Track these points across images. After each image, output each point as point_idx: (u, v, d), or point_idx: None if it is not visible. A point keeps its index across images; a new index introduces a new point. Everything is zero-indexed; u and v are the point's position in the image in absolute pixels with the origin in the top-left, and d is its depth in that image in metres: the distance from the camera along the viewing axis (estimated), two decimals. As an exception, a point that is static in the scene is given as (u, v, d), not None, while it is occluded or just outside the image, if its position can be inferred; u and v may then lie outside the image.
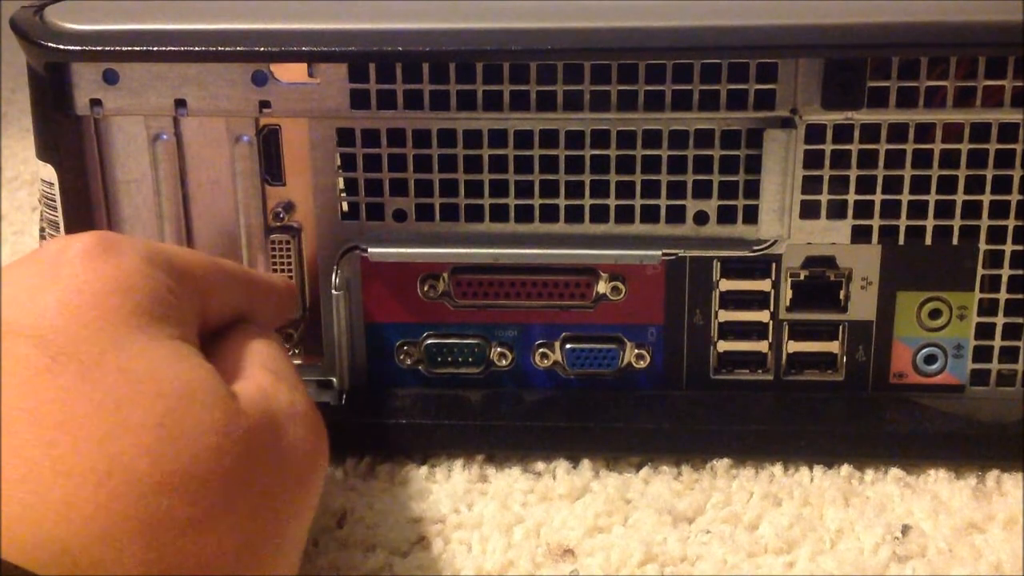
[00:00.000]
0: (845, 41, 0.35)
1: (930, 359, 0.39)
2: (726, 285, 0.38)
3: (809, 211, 0.37)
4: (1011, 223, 0.37)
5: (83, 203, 0.38)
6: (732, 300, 0.38)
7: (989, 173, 0.36)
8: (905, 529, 0.35)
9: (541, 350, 0.39)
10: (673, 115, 0.36)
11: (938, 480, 0.37)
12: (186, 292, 0.30)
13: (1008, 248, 0.37)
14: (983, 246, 0.37)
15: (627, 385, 0.39)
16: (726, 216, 0.37)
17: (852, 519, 0.35)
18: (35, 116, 0.38)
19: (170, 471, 0.24)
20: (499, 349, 0.39)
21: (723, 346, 0.39)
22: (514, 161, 0.37)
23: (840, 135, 0.36)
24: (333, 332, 0.39)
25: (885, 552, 0.34)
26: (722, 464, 0.37)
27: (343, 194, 0.38)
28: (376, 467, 0.38)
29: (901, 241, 0.37)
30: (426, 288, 0.39)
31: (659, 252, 0.38)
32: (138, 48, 0.35)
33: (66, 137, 0.37)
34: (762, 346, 0.39)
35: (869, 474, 0.37)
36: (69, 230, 0.37)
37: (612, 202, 0.37)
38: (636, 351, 0.39)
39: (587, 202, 0.37)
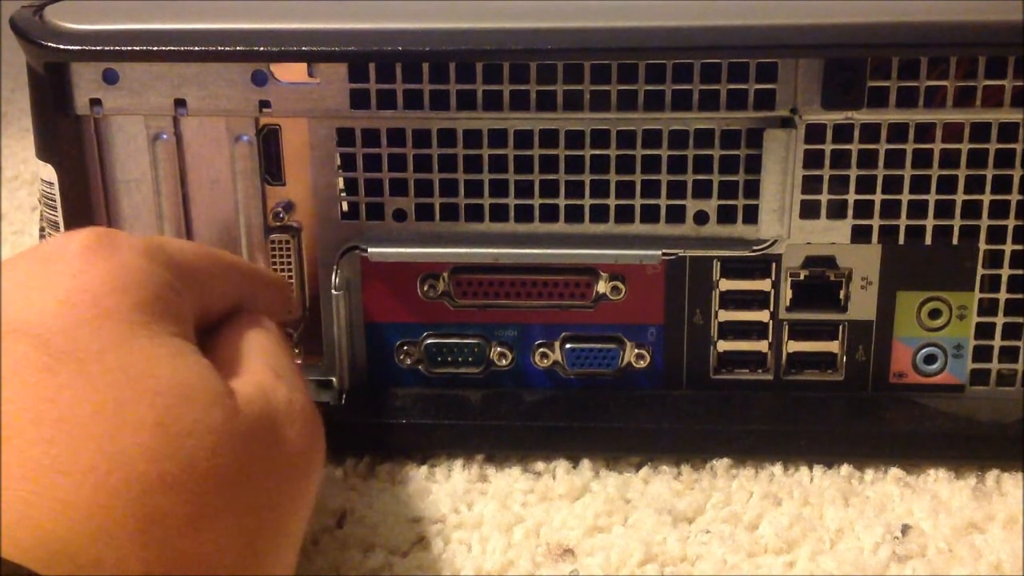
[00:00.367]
0: (845, 41, 0.35)
1: (930, 359, 0.39)
2: (726, 285, 0.38)
3: (809, 211, 0.37)
4: (1011, 223, 0.37)
5: (83, 203, 0.38)
6: (732, 300, 0.38)
7: (989, 173, 0.36)
8: (905, 529, 0.35)
9: (541, 350, 0.39)
10: (673, 115, 0.36)
11: (938, 480, 0.37)
12: (185, 286, 0.30)
13: (1008, 248, 0.37)
14: (983, 246, 0.37)
15: (627, 385, 0.39)
16: (726, 216, 0.37)
17: (852, 519, 0.35)
18: (35, 116, 0.37)
19: (169, 470, 0.24)
20: (499, 349, 0.39)
21: (723, 346, 0.39)
22: (514, 161, 0.37)
23: (840, 135, 0.36)
24: (333, 332, 0.39)
25: (885, 552, 0.34)
26: (722, 464, 0.37)
27: (343, 194, 0.38)
28: (376, 467, 0.38)
29: (901, 241, 0.37)
30: (426, 288, 0.39)
31: (659, 252, 0.37)
32: (138, 48, 0.35)
33: (66, 137, 0.37)
34: (762, 346, 0.39)
35: (869, 474, 0.37)
36: (69, 230, 0.37)
37: (612, 202, 0.37)
38: (636, 351, 0.39)
39: (587, 202, 0.37)
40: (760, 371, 0.39)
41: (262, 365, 0.30)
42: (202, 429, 0.26)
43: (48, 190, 0.38)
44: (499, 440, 0.38)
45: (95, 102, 0.37)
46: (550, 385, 0.40)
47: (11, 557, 0.21)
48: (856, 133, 0.36)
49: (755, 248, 0.38)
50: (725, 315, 0.39)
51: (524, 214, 0.38)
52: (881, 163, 0.36)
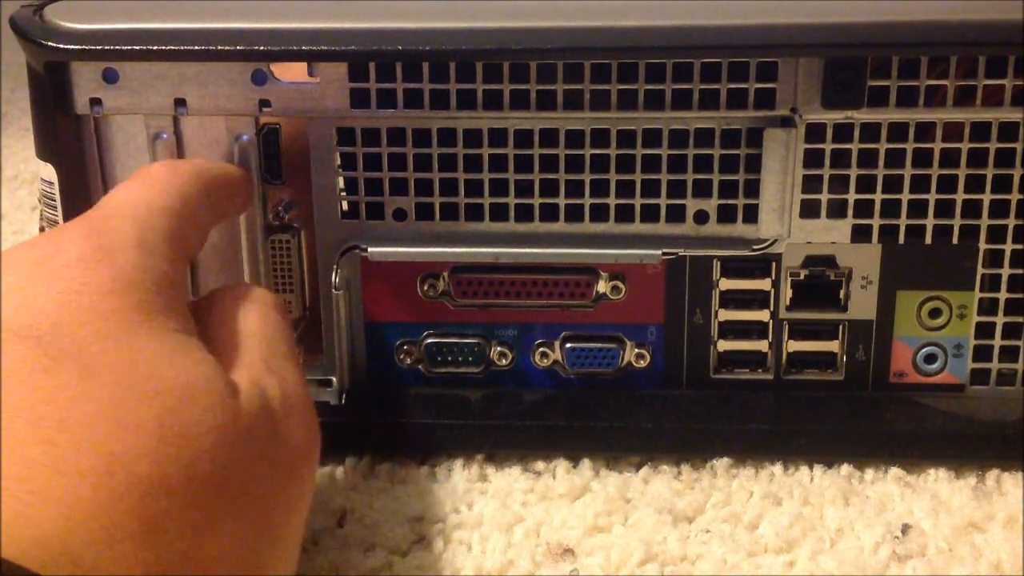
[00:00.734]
0: (845, 40, 0.35)
1: (930, 358, 0.39)
2: (726, 284, 0.38)
3: (809, 210, 0.37)
4: (1011, 222, 0.37)
5: (83, 202, 0.38)
6: (732, 299, 0.38)
7: (989, 172, 0.36)
8: (905, 528, 0.35)
9: (541, 349, 0.39)
10: (673, 114, 0.36)
11: (938, 479, 0.37)
12: (178, 264, 0.30)
13: (1008, 247, 0.37)
14: (983, 245, 0.37)
15: (627, 385, 0.39)
16: (726, 215, 0.37)
17: (852, 518, 0.35)
18: (35, 115, 0.37)
19: (170, 472, 0.24)
20: (499, 348, 0.39)
21: (723, 345, 0.39)
22: (514, 160, 0.37)
23: (840, 134, 0.36)
24: (333, 331, 0.39)
25: (885, 551, 0.34)
26: (722, 463, 0.37)
27: (343, 193, 0.38)
28: (376, 467, 0.38)
29: (901, 240, 0.37)
30: (426, 287, 0.39)
31: (659, 251, 0.37)
32: (138, 47, 0.35)
33: (66, 136, 0.37)
34: (762, 345, 0.39)
35: (869, 473, 0.37)
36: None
37: (612, 201, 0.37)
38: (636, 350, 0.39)
39: (587, 201, 0.37)
40: (760, 371, 0.39)
41: (254, 357, 0.30)
42: (204, 430, 0.26)
43: (48, 189, 0.38)
44: (499, 440, 0.38)
45: (95, 101, 0.37)
46: (550, 385, 0.40)
47: (11, 558, 0.21)
48: (856, 132, 0.36)
49: (755, 247, 0.38)
50: (725, 315, 0.39)
51: (524, 213, 0.38)
52: (881, 162, 0.36)
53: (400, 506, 0.36)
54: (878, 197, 0.37)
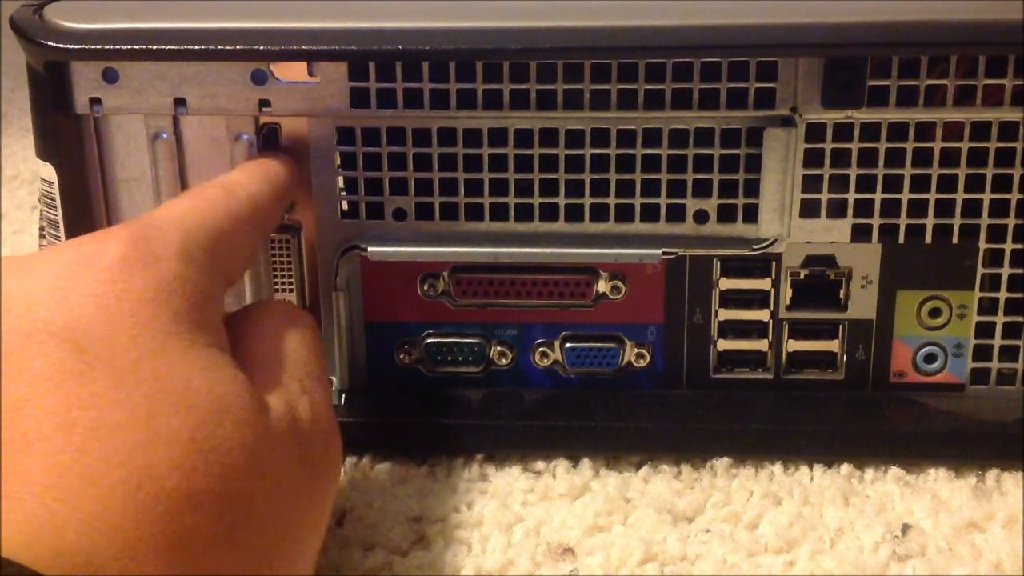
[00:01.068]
0: (845, 40, 0.35)
1: (930, 358, 0.39)
2: (726, 284, 0.38)
3: (809, 210, 0.37)
4: (1011, 222, 0.37)
5: (83, 202, 0.38)
6: (732, 299, 0.38)
7: (989, 172, 0.36)
8: (905, 528, 0.35)
9: (541, 349, 0.39)
10: (673, 114, 0.36)
11: (938, 479, 0.37)
12: (217, 280, 0.29)
13: (1008, 247, 0.37)
14: (983, 245, 0.37)
15: (627, 384, 0.39)
16: (726, 215, 0.37)
17: (852, 518, 0.35)
18: (35, 115, 0.37)
19: (198, 486, 0.24)
20: (499, 348, 0.39)
21: (723, 345, 0.39)
22: (514, 160, 0.37)
23: (840, 134, 0.36)
24: (333, 331, 0.39)
25: (885, 551, 0.34)
26: (722, 463, 0.37)
27: (343, 193, 0.38)
28: (376, 467, 0.38)
29: (901, 240, 0.37)
30: (426, 287, 0.39)
31: (659, 251, 0.37)
32: (138, 47, 0.35)
33: (66, 136, 0.37)
34: (762, 345, 0.39)
35: (869, 473, 0.37)
36: (69, 229, 0.37)
37: (612, 201, 0.37)
38: (636, 350, 0.39)
39: (587, 201, 0.37)
40: (760, 370, 0.39)
41: (290, 377, 0.30)
42: (234, 446, 0.25)
43: (48, 189, 0.38)
44: (499, 440, 0.38)
45: (95, 101, 0.37)
46: (550, 385, 0.40)
47: (35, 566, 0.21)
48: (856, 132, 0.36)
49: (755, 247, 0.38)
50: (725, 314, 0.39)
51: (524, 213, 0.38)
52: (881, 162, 0.36)
53: (400, 506, 0.36)
54: (878, 197, 0.37)
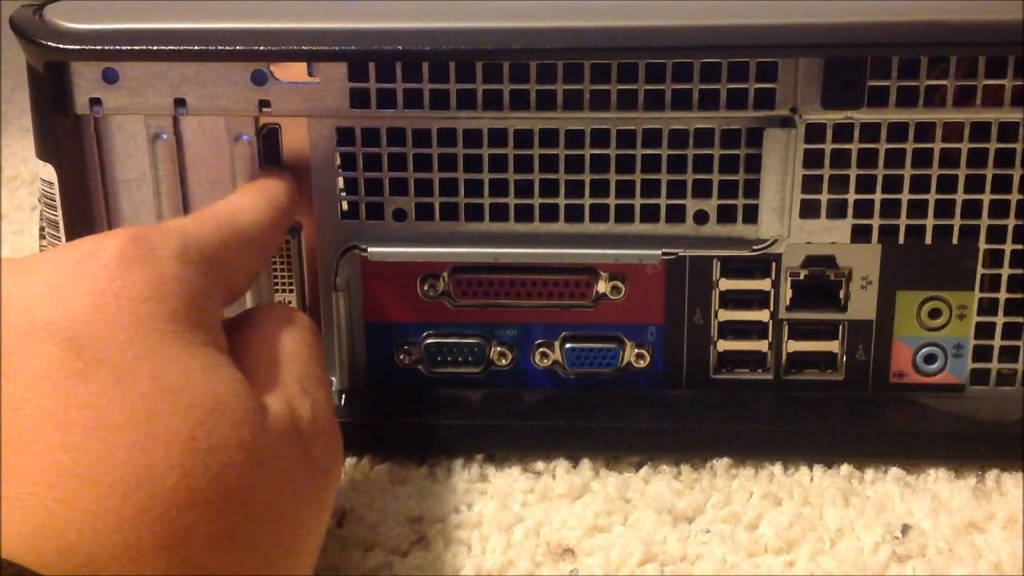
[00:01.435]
0: (845, 40, 0.35)
1: (930, 358, 0.39)
2: (726, 284, 0.38)
3: (809, 210, 0.37)
4: (1011, 222, 0.37)
5: (83, 202, 0.38)
6: (732, 299, 0.38)
7: (989, 172, 0.36)
8: (905, 529, 0.35)
9: (541, 350, 0.39)
10: (673, 114, 0.36)
11: (938, 480, 0.37)
12: (216, 285, 0.29)
13: (1008, 247, 0.37)
14: (983, 245, 0.37)
15: (627, 385, 0.39)
16: (726, 215, 0.37)
17: (852, 519, 0.35)
18: (35, 115, 0.37)
19: (197, 486, 0.24)
20: (499, 349, 0.39)
21: (723, 345, 0.39)
22: (514, 160, 0.37)
23: (840, 134, 0.36)
24: (333, 332, 0.39)
25: (885, 552, 0.34)
26: (722, 464, 0.37)
27: (343, 193, 0.38)
28: (376, 467, 0.38)
29: (901, 240, 0.37)
30: (426, 288, 0.39)
31: (659, 251, 0.37)
32: (138, 47, 0.35)
33: (66, 136, 0.37)
34: (762, 345, 0.39)
35: (869, 474, 0.37)
36: (69, 229, 0.37)
37: (612, 201, 0.37)
38: (636, 351, 0.39)
39: (587, 201, 0.37)
40: (760, 371, 0.39)
41: (291, 378, 0.30)
42: (232, 445, 0.25)
43: (48, 190, 0.38)
44: (499, 440, 0.38)
45: (95, 102, 0.37)
46: (550, 385, 0.40)
47: (34, 566, 0.21)
48: (856, 133, 0.36)
49: (755, 248, 0.38)
50: (725, 315, 0.39)
51: (524, 214, 0.38)
52: (881, 163, 0.36)
53: (400, 506, 0.36)
54: (878, 197, 0.37)
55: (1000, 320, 0.38)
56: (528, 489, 0.37)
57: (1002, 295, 0.38)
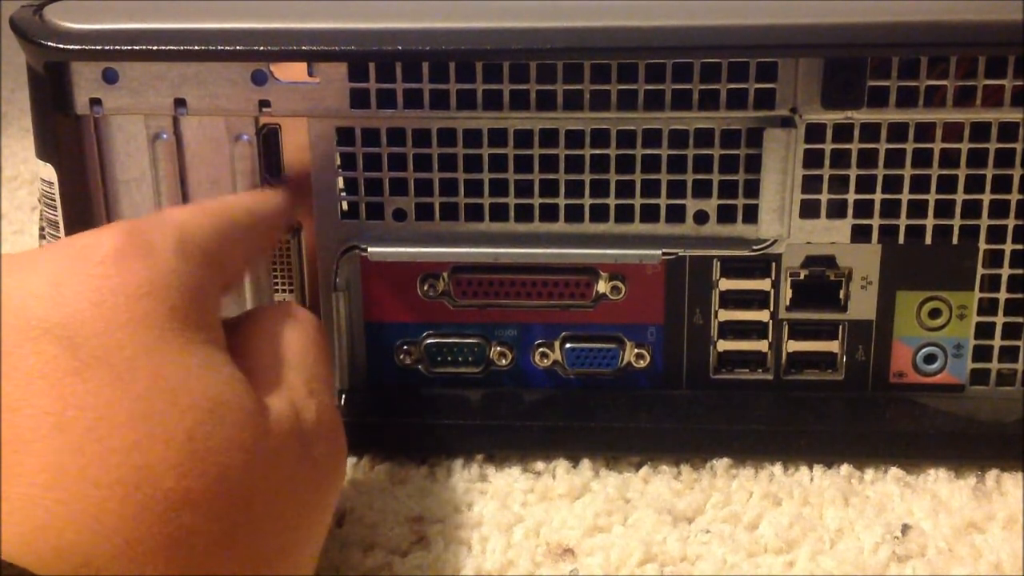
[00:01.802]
0: (845, 41, 0.35)
1: (930, 358, 0.39)
2: (726, 284, 0.38)
3: (809, 210, 0.37)
4: (1011, 222, 0.37)
5: (83, 202, 0.38)
6: (732, 299, 0.38)
7: (989, 172, 0.36)
8: (905, 529, 0.35)
9: (541, 350, 0.39)
10: (673, 114, 0.36)
11: (938, 480, 0.37)
12: (214, 278, 0.29)
13: (1008, 247, 0.37)
14: (983, 245, 0.37)
15: (627, 385, 0.39)
16: (726, 215, 0.37)
17: (852, 519, 0.35)
18: (35, 115, 0.37)
19: (196, 487, 0.24)
20: (499, 349, 0.39)
21: (723, 346, 0.39)
22: (514, 160, 0.37)
23: (840, 134, 0.36)
24: (333, 332, 0.39)
25: (885, 552, 0.34)
26: (722, 464, 0.37)
27: (343, 193, 0.38)
28: (376, 467, 0.38)
29: (901, 240, 0.37)
30: (426, 288, 0.39)
31: (659, 251, 0.37)
32: (138, 47, 0.35)
33: (66, 137, 0.37)
34: (762, 346, 0.39)
35: (869, 474, 0.37)
36: (69, 230, 0.37)
37: (612, 201, 0.37)
38: (636, 351, 0.39)
39: (587, 201, 0.37)
40: (760, 371, 0.39)
41: (297, 379, 0.30)
42: (232, 446, 0.25)
43: (48, 190, 0.38)
44: (499, 440, 0.38)
45: (95, 102, 0.37)
46: (550, 385, 0.40)
47: (31, 567, 0.21)
48: (856, 133, 0.36)
49: (755, 248, 0.38)
50: (725, 315, 0.39)
51: (524, 214, 0.38)
52: (881, 163, 0.36)
53: (400, 506, 0.36)
54: (878, 197, 0.37)
55: (1000, 320, 0.38)
56: (528, 489, 0.37)
57: (1002, 295, 0.38)
